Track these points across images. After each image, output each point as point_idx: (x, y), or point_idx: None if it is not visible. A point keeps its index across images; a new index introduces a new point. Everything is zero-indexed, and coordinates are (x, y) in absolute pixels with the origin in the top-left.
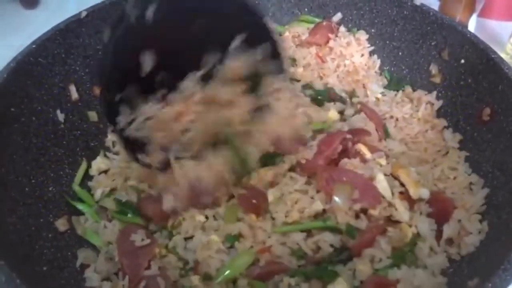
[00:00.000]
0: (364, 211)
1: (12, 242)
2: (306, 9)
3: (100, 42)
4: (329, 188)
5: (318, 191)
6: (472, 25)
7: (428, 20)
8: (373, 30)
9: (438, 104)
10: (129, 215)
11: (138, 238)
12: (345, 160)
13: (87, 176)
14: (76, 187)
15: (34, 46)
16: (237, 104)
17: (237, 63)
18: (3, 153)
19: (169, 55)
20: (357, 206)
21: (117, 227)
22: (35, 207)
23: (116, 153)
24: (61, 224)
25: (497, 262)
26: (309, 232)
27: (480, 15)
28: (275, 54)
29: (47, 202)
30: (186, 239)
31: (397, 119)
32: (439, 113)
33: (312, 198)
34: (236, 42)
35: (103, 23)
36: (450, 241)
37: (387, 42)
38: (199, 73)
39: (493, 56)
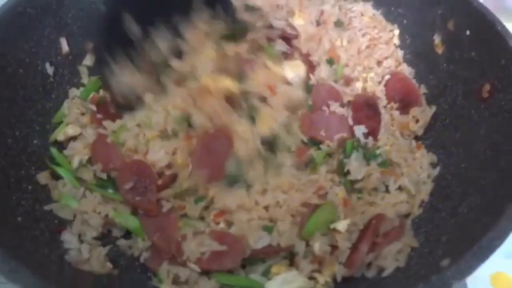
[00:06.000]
0: None
1: None
2: None
3: None
4: None
5: None
6: None
7: None
8: None
9: None
10: (109, 191)
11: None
12: None
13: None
14: (53, 150)
15: None
16: None
17: None
18: None
19: None
20: None
21: (98, 200)
22: (18, 159)
23: None
24: (42, 177)
25: (467, 245)
26: None
27: None
28: None
29: (31, 155)
30: None
31: None
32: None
33: None
34: None
35: None
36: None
37: (392, 8)
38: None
39: (499, 28)
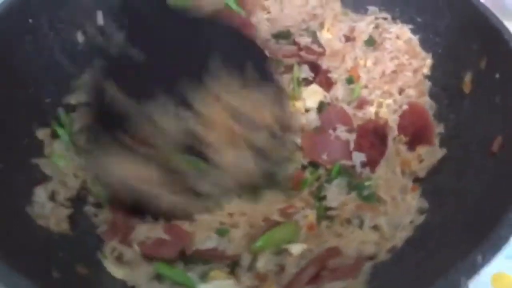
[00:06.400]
0: None
1: None
2: None
3: None
4: None
5: None
6: None
7: (476, 17)
8: (419, 19)
9: None
10: None
11: None
12: None
13: None
14: (61, 111)
15: None
16: None
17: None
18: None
19: None
20: None
21: (81, 164)
22: (23, 114)
23: None
24: (42, 133)
25: None
26: None
27: None
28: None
29: (39, 112)
30: None
31: None
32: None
33: None
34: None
35: None
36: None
37: (430, 36)
38: None
39: None
